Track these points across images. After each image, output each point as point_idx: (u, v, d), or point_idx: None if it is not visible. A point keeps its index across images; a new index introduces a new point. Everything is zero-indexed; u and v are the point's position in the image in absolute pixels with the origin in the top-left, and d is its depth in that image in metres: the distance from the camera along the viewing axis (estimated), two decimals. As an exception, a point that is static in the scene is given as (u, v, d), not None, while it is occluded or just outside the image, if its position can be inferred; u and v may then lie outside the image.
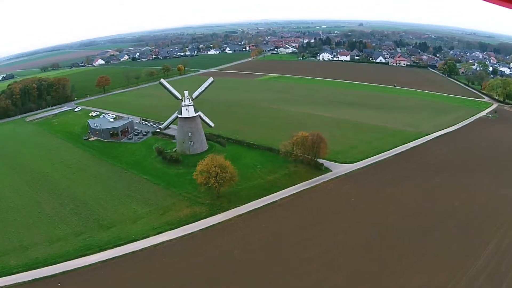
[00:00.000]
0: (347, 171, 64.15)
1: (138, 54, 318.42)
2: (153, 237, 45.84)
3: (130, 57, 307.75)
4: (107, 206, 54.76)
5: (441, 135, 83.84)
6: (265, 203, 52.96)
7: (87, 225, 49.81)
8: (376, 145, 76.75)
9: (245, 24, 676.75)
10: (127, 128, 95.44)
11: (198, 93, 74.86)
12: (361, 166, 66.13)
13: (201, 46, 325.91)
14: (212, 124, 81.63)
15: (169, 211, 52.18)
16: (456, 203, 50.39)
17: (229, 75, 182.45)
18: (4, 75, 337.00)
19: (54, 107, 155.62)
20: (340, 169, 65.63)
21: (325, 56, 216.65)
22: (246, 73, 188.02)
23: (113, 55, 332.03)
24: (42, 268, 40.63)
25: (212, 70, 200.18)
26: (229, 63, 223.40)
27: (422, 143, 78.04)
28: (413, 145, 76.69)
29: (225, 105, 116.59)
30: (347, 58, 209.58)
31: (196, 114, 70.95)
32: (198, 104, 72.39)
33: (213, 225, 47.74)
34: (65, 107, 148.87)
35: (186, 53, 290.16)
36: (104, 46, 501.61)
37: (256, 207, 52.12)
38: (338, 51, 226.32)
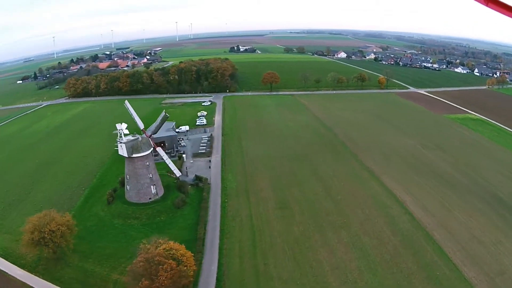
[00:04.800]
0: None
1: (387, 54, 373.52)
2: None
3: (374, 57, 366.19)
4: (10, 213, 78.81)
5: None
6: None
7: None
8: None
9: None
10: (162, 144, 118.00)
11: (154, 128, 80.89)
12: None
13: (457, 60, 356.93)
14: (178, 173, 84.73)
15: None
16: None
17: (424, 101, 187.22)
18: (247, 47, 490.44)
19: (206, 94, 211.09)
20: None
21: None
22: (447, 103, 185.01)
23: (361, 51, 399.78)
24: None
25: (421, 91, 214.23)
26: (454, 87, 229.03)
27: None
28: None
29: (324, 147, 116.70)
30: None
31: (136, 155, 76.96)
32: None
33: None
34: (211, 97, 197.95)
35: (434, 65, 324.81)
36: (388, 40, 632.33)
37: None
38: None
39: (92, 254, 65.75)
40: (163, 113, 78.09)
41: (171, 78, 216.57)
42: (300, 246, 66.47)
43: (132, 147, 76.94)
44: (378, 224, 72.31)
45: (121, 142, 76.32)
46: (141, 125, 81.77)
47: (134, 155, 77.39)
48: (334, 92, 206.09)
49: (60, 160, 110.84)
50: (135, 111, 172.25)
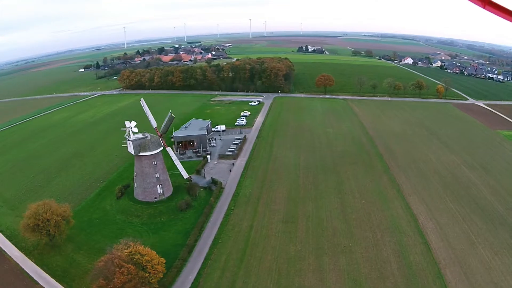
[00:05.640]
0: None
1: (453, 63, 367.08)
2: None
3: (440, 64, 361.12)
4: (28, 198, 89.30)
5: None
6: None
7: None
8: None
9: None
10: (191, 142, 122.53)
11: (163, 127, 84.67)
12: None
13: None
14: (185, 175, 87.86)
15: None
16: None
17: (480, 114, 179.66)
18: (315, 48, 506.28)
19: (259, 93, 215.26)
20: None
21: None
22: (504, 118, 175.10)
23: (428, 57, 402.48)
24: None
25: (480, 103, 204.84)
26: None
27: None
28: None
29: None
30: None
31: (142, 153, 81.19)
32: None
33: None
34: (262, 97, 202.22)
35: (498, 77, 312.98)
36: (458, 49, 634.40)
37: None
38: None
39: (85, 246, 71.51)
40: (169, 114, 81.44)
41: (225, 75, 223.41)
42: (289, 267, 64.85)
43: (140, 145, 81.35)
44: (385, 252, 67.72)
45: (128, 140, 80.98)
46: (154, 124, 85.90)
47: (141, 154, 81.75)
48: (390, 99, 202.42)
49: (92, 151, 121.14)
50: (183, 107, 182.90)
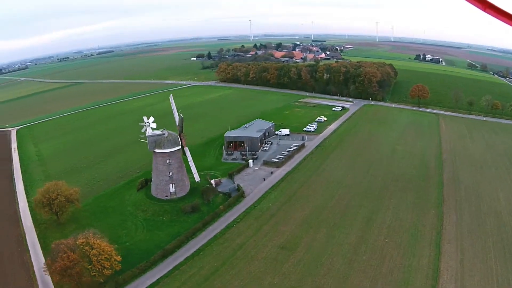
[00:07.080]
0: None
1: None
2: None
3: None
4: (67, 176, 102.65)
5: None
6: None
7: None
8: None
9: None
10: (242, 144, 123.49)
11: (177, 127, 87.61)
12: None
13: None
14: (197, 178, 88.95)
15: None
16: None
17: None
18: (432, 57, 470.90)
19: (350, 98, 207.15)
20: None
21: None
22: None
23: None
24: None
25: None
26: None
27: None
28: None
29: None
30: None
31: (157, 150, 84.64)
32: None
33: None
34: (352, 103, 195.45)
35: None
36: None
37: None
38: None
39: (85, 229, 77.60)
40: (179, 114, 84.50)
41: (319, 76, 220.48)
42: (251, 301, 61.45)
43: (155, 142, 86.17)
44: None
45: (146, 135, 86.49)
46: (177, 121, 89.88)
47: (156, 150, 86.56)
48: (484, 118, 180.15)
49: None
50: (266, 104, 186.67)
